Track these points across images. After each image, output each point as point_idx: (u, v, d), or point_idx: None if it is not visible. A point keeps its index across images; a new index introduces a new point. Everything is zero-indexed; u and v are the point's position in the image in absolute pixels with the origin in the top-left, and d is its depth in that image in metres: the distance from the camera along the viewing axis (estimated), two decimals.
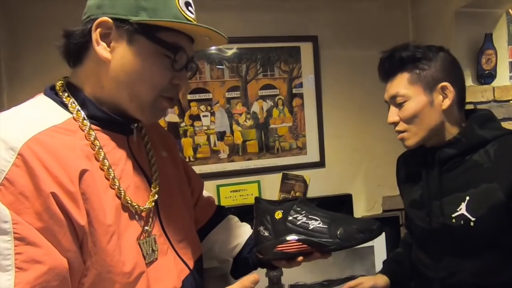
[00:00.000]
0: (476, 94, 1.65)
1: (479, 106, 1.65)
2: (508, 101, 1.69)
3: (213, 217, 0.94)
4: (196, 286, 0.76)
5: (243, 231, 0.93)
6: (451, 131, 0.90)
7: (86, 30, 0.63)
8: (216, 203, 1.68)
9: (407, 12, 1.91)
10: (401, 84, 0.90)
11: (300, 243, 0.79)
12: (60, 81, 0.67)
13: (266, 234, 0.81)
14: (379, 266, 1.72)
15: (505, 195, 0.79)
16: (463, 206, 0.84)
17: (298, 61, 1.79)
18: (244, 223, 0.97)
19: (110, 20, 0.62)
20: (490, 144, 0.86)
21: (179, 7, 0.64)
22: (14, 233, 0.49)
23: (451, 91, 0.87)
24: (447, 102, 0.88)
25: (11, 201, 0.50)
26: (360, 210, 1.85)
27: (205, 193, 0.99)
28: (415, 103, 0.88)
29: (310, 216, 0.80)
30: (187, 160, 1.68)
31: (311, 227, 0.79)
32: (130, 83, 0.64)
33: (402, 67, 0.90)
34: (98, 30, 0.62)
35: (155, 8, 0.62)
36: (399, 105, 0.91)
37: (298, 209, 0.81)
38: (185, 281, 0.72)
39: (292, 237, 0.79)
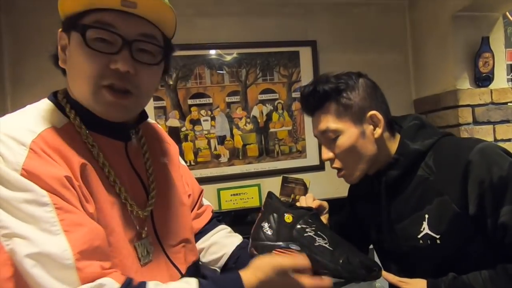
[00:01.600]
0: (473, 97, 1.66)
1: (476, 109, 1.67)
2: (506, 103, 1.70)
3: (206, 226, 0.93)
4: None
5: (231, 242, 0.90)
6: (388, 154, 0.87)
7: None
8: (217, 206, 1.70)
9: (405, 16, 1.93)
10: (329, 119, 0.85)
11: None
12: (62, 88, 0.69)
13: (269, 233, 0.78)
14: None
15: (459, 206, 0.77)
16: (425, 225, 0.82)
17: (297, 66, 1.81)
18: (235, 234, 0.94)
19: (60, 29, 0.63)
20: (428, 155, 0.84)
21: None
22: (54, 203, 0.54)
23: (380, 119, 0.84)
24: (378, 131, 0.84)
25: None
26: None
27: (205, 201, 0.98)
28: (348, 137, 0.84)
29: (318, 233, 0.77)
30: (188, 164, 1.69)
31: (317, 244, 0.75)
32: (75, 82, 0.63)
33: (327, 100, 0.85)
34: (60, 42, 0.64)
35: None
36: (332, 141, 0.85)
37: (310, 221, 0.78)
38: None
39: (295, 247, 0.75)
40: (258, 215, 0.82)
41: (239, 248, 0.89)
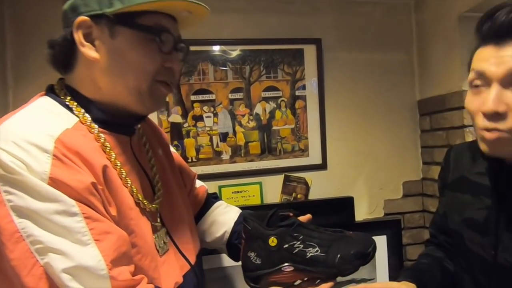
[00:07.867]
0: None
1: None
2: None
3: (202, 207, 0.95)
4: (197, 281, 0.77)
5: (229, 218, 0.93)
6: None
7: (68, 35, 0.63)
8: None
9: (411, 16, 1.91)
10: None
11: (296, 273, 0.75)
12: (58, 83, 0.68)
13: (258, 262, 0.76)
14: (380, 270, 1.72)
15: None
16: None
17: (301, 64, 1.80)
18: (231, 208, 0.96)
19: (87, 18, 0.61)
20: None
21: None
22: (82, 213, 0.54)
23: None
24: None
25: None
26: (361, 213, 1.84)
27: (198, 182, 0.99)
28: None
29: (307, 243, 0.75)
30: (190, 160, 1.69)
31: (309, 255, 0.74)
32: (123, 76, 0.63)
33: None
34: (79, 31, 0.61)
35: None
36: None
37: (295, 234, 0.76)
38: (186, 277, 0.73)
39: (288, 267, 0.75)
40: (242, 243, 0.81)
41: (237, 224, 0.91)
